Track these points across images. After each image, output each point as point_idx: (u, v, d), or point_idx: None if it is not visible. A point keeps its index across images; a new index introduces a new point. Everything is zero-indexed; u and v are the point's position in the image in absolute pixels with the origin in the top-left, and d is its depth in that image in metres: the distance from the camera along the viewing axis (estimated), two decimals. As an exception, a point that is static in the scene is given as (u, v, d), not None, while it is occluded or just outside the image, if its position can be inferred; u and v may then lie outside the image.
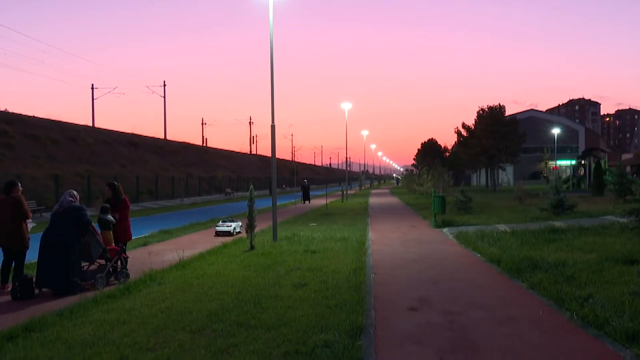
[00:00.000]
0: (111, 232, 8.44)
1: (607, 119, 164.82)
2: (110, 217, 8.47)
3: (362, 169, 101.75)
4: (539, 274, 7.60)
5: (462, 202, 20.20)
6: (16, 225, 7.61)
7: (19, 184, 8.03)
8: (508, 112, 51.00)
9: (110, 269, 8.01)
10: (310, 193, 34.89)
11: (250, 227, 11.32)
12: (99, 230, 8.16)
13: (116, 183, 9.14)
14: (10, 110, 39.51)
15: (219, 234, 14.48)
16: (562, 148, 65.61)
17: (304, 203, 31.80)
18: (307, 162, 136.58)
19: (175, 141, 61.51)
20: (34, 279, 7.29)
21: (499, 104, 48.17)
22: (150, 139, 55.26)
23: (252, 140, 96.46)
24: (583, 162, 41.84)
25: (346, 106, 37.53)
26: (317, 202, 32.92)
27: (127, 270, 8.29)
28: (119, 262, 8.24)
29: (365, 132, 59.58)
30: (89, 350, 4.76)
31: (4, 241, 7.64)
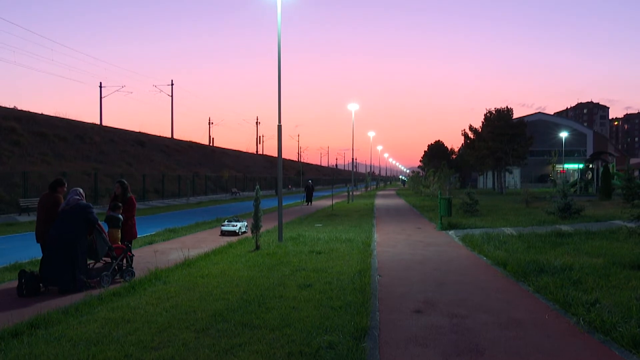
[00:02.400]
0: (119, 230, 8.48)
1: (616, 123, 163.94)
2: (119, 215, 8.51)
3: (369, 170, 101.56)
4: (545, 277, 7.55)
5: (468, 204, 20.14)
6: (48, 223, 7.68)
7: (65, 184, 8.11)
8: (516, 115, 50.85)
9: (116, 267, 8.04)
10: (316, 194, 34.53)
11: (255, 227, 11.34)
12: (105, 228, 8.20)
13: (125, 182, 9.22)
14: (19, 107, 39.87)
15: (224, 233, 14.51)
16: (570, 151, 65.34)
17: (307, 205, 31.45)
18: (314, 162, 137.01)
19: (182, 140, 61.73)
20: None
21: (507, 107, 47.99)
22: (158, 138, 55.46)
23: (258, 140, 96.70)
24: (591, 165, 41.59)
25: (353, 107, 37.45)
26: (322, 202, 32.89)
27: (132, 268, 8.32)
28: (124, 261, 8.28)
29: (371, 134, 59.32)
30: (93, 348, 4.77)
31: (39, 237, 7.75)
